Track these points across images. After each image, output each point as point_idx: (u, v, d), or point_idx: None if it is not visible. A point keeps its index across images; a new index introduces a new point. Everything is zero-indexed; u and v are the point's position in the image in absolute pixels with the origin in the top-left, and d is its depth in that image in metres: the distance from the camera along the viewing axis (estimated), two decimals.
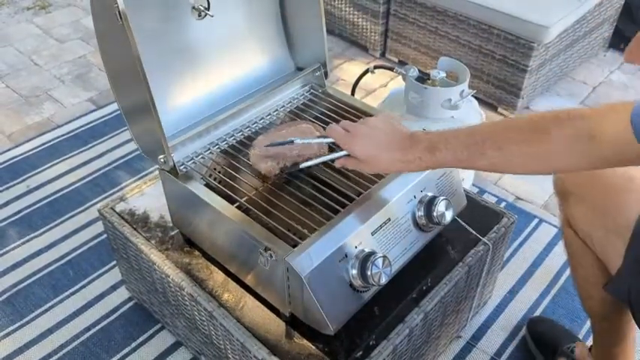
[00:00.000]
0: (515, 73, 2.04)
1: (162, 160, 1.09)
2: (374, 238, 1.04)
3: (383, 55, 2.52)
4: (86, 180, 1.88)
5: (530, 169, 0.86)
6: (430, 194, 1.12)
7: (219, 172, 1.17)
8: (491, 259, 1.27)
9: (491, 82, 2.13)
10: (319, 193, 1.09)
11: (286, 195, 1.09)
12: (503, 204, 1.79)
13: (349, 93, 1.69)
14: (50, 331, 1.44)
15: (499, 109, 2.17)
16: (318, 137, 1.11)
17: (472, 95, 1.55)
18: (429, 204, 1.11)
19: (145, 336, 1.43)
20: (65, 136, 2.07)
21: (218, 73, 1.25)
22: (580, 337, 1.41)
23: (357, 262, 0.99)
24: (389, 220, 1.06)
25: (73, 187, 1.86)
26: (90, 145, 2.03)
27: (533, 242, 1.67)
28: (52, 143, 2.04)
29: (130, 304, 1.50)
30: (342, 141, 0.97)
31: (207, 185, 1.11)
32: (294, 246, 0.97)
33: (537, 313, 1.48)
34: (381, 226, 1.05)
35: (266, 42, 1.33)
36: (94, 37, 1.01)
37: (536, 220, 1.73)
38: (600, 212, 1.02)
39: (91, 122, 2.13)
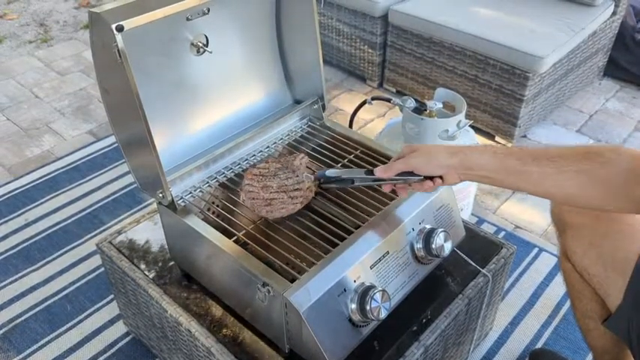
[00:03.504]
0: (511, 102, 2.06)
1: (160, 195, 1.09)
2: (373, 271, 1.03)
3: (381, 85, 2.54)
4: (85, 212, 1.88)
5: (578, 189, 0.86)
6: (429, 226, 1.12)
7: (217, 206, 1.17)
8: (491, 291, 1.26)
9: (488, 112, 2.15)
10: (318, 226, 1.09)
11: (284, 228, 1.09)
12: (502, 233, 1.78)
13: (347, 124, 1.71)
14: None
15: (496, 138, 2.19)
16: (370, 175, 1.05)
17: (469, 125, 1.56)
18: (428, 236, 1.10)
19: None
20: (64, 169, 2.07)
21: (216, 108, 1.27)
22: None
23: (356, 296, 0.99)
24: (387, 252, 1.06)
25: (71, 219, 1.85)
26: (89, 178, 2.03)
27: (533, 272, 1.66)
28: (51, 176, 2.04)
29: (128, 338, 1.48)
30: (404, 160, 0.99)
31: (206, 219, 1.11)
32: (293, 280, 0.97)
33: (539, 344, 1.47)
34: (379, 259, 1.05)
35: (264, 76, 1.35)
36: (94, 69, 1.03)
37: (535, 250, 1.73)
38: (598, 247, 1.01)
39: (90, 154, 2.14)
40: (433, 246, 1.10)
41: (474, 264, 1.22)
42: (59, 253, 1.74)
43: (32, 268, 1.69)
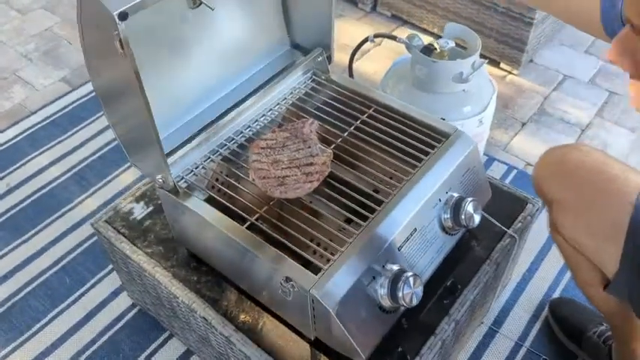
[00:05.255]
0: (519, 26, 1.91)
1: (161, 180, 0.98)
2: (401, 252, 0.96)
3: (374, 8, 2.35)
4: (70, 173, 1.76)
5: None
6: (456, 195, 1.04)
7: (222, 184, 1.06)
8: (517, 250, 1.21)
9: (493, 37, 2.00)
10: (336, 203, 0.99)
11: (299, 208, 0.99)
12: (514, 172, 1.71)
13: (347, 59, 1.56)
14: (54, 347, 1.37)
15: (501, 65, 2.05)
16: None
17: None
18: (457, 206, 1.02)
19: (154, 345, 1.36)
20: (41, 124, 1.92)
21: (212, 68, 1.12)
22: None
23: (387, 281, 0.91)
24: (415, 230, 0.98)
25: (56, 182, 1.73)
26: (69, 133, 1.88)
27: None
28: (28, 133, 1.89)
29: (134, 311, 1.42)
30: None
31: (212, 202, 1.00)
32: (317, 270, 0.89)
33: (558, 290, 1.44)
34: (407, 239, 0.97)
35: (264, 25, 1.19)
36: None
37: None
38: (584, 219, 0.97)
39: (67, 106, 1.98)
40: (462, 216, 1.01)
41: (500, 225, 1.15)
42: (49, 220, 1.63)
43: (22, 239, 1.59)
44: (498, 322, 1.38)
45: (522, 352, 1.33)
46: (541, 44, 2.07)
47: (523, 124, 1.86)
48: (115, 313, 1.42)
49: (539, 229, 1.56)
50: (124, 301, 1.44)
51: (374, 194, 1.00)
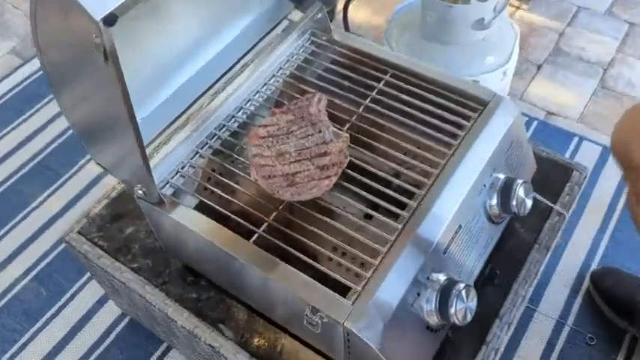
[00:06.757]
0: None
1: (141, 192, 0.78)
2: (446, 257, 0.78)
3: None
4: (33, 163, 1.53)
5: None
6: (502, 176, 0.85)
7: (216, 185, 0.86)
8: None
9: None
10: (359, 199, 0.81)
11: (314, 211, 0.80)
12: (534, 123, 1.53)
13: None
14: None
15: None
16: None
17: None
18: (505, 191, 0.84)
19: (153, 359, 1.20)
20: None
21: (189, 27, 0.89)
22: None
23: (434, 295, 0.74)
24: (460, 227, 0.80)
25: (18, 174, 1.51)
26: (27, 115, 1.64)
27: None
28: None
29: (125, 321, 1.25)
30: None
31: (204, 207, 0.81)
32: (349, 292, 0.71)
33: (597, 257, 1.29)
34: (452, 239, 0.79)
35: None
36: None
37: (575, 139, 1.49)
38: None
39: (20, 83, 1.72)
40: (513, 202, 0.84)
41: (546, 201, 0.97)
42: (15, 221, 1.42)
43: None
44: (535, 299, 1.23)
45: (566, 331, 1.19)
46: None
47: (539, 67, 1.67)
48: (102, 326, 1.24)
49: None
50: (111, 310, 1.26)
51: (404, 185, 0.82)
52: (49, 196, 1.47)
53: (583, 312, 1.22)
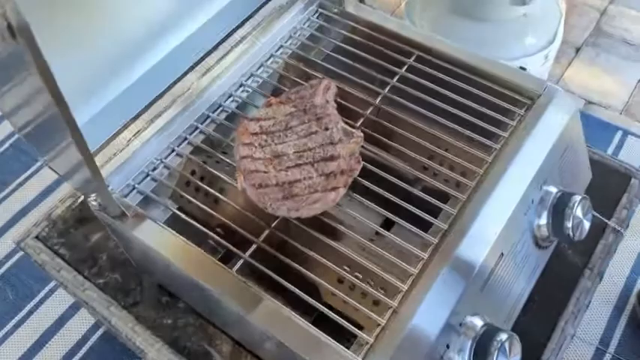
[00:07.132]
0: None
1: (94, 202, 0.61)
2: (484, 294, 0.61)
3: None
4: (5, 146, 1.37)
5: None
6: (555, 190, 0.68)
7: (195, 192, 0.69)
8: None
9: None
10: (369, 216, 0.64)
11: (316, 230, 0.63)
12: None
13: None
14: None
15: None
16: None
17: None
18: (558, 208, 0.67)
19: None
20: None
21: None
22: None
23: (468, 346, 0.58)
24: (502, 255, 0.63)
25: None
26: None
27: None
28: None
29: (100, 331, 1.10)
30: None
31: (178, 221, 0.65)
32: (357, 348, 0.55)
33: None
34: (492, 272, 0.62)
35: None
36: None
37: (619, 133, 1.31)
38: None
39: None
40: (568, 224, 0.67)
41: (600, 217, 0.80)
42: None
43: None
44: None
45: (607, 359, 1.03)
46: None
47: (577, 50, 1.48)
48: (75, 335, 1.10)
49: None
50: (85, 317, 1.11)
51: (431, 199, 0.64)
52: (21, 184, 1.31)
53: (628, 336, 1.05)
